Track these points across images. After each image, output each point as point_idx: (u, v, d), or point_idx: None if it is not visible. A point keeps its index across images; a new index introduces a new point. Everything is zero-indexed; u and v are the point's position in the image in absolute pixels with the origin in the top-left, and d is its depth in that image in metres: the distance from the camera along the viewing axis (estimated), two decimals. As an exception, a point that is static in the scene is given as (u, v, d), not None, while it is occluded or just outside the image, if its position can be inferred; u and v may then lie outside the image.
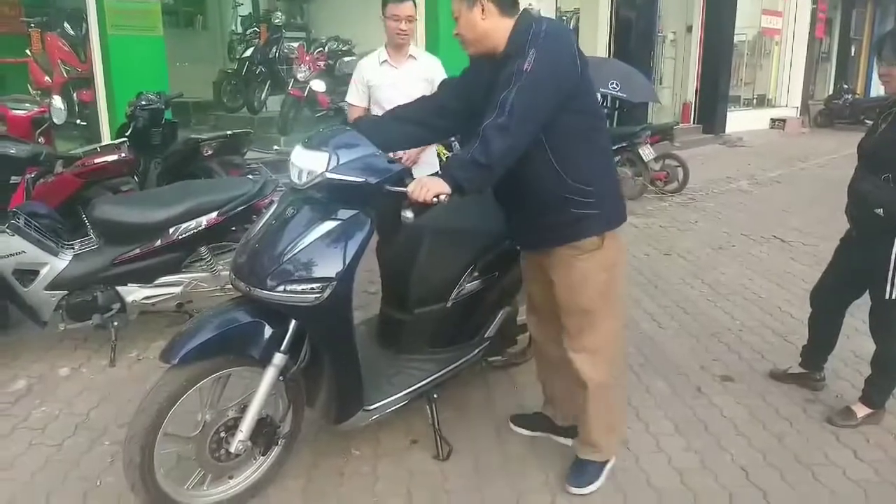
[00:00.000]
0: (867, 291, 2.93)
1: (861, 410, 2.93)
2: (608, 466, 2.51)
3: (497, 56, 2.17)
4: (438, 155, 5.75)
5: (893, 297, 2.75)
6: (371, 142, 2.23)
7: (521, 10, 2.21)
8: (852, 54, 18.31)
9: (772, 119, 14.86)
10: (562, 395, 2.66)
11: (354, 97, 3.65)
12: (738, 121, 13.56)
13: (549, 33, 2.08)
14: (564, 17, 10.87)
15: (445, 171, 2.07)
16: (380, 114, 3.37)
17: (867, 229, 2.84)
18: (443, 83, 2.70)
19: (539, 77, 2.02)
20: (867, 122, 13.97)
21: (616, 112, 8.96)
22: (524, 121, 2.02)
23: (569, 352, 2.38)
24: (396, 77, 3.51)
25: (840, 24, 17.67)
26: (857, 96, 15.95)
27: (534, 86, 2.02)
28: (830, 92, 16.38)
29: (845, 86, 16.09)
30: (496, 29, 2.15)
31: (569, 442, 2.66)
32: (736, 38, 13.47)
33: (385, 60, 3.53)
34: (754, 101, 15.52)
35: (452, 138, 6.98)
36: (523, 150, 2.07)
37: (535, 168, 2.15)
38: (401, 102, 3.29)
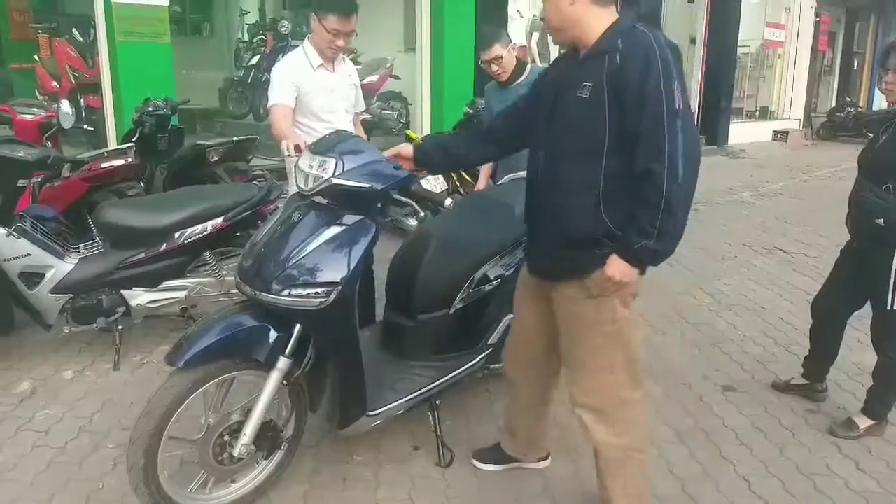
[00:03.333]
0: (868, 302, 2.93)
1: (863, 422, 2.93)
2: None
3: (580, 51, 1.97)
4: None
5: (894, 307, 2.76)
6: (450, 158, 2.29)
7: (623, 13, 1.99)
8: (855, 68, 18.33)
9: (774, 131, 14.87)
10: (525, 435, 2.55)
11: (284, 96, 3.08)
12: (741, 133, 13.57)
13: (676, 55, 1.85)
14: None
15: (635, 256, 1.88)
16: (312, 125, 3.12)
17: (868, 240, 2.85)
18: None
19: (692, 118, 1.86)
20: (870, 135, 14.01)
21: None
22: (695, 177, 1.82)
23: (574, 408, 2.17)
24: (334, 82, 3.21)
25: (843, 38, 17.69)
26: (859, 109, 15.94)
27: (693, 129, 1.83)
28: (833, 105, 16.39)
29: (848, 99, 16.10)
30: (585, 17, 1.92)
31: (540, 465, 2.62)
32: (739, 51, 13.50)
33: (321, 64, 3.15)
34: (757, 113, 15.53)
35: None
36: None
37: (580, 203, 1.94)
38: (339, 107, 3.19)
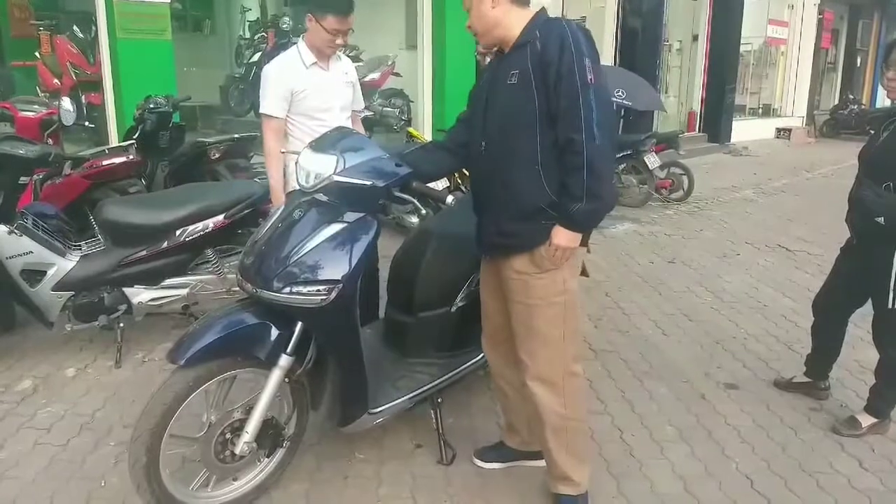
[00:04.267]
0: (869, 300, 2.92)
1: (866, 420, 2.93)
2: (586, 498, 2.37)
3: (505, 49, 2.16)
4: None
5: (895, 306, 2.75)
6: (422, 170, 2.33)
7: (540, 7, 2.17)
8: (858, 65, 18.29)
9: (777, 129, 14.85)
10: (523, 422, 2.56)
11: (276, 108, 3.05)
12: (744, 130, 13.55)
13: (588, 38, 2.03)
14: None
15: (572, 220, 2.06)
16: (306, 124, 3.09)
17: (868, 238, 2.84)
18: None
19: (605, 89, 2.02)
20: (873, 132, 14.01)
21: (621, 120, 8.97)
22: (612, 141, 2.03)
23: (527, 380, 2.28)
24: (328, 81, 3.13)
25: (846, 35, 17.66)
26: (862, 107, 15.92)
27: (607, 99, 2.04)
28: (836, 102, 16.36)
29: (851, 96, 16.07)
30: (507, 18, 2.12)
31: (541, 463, 2.49)
32: (742, 48, 13.47)
33: (314, 63, 3.08)
34: (760, 110, 15.51)
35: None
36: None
37: (521, 176, 2.11)
38: (334, 105, 3.13)
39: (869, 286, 2.87)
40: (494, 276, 2.34)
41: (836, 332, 3.17)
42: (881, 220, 2.70)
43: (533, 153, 2.07)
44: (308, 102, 3.07)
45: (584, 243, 2.18)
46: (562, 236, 2.08)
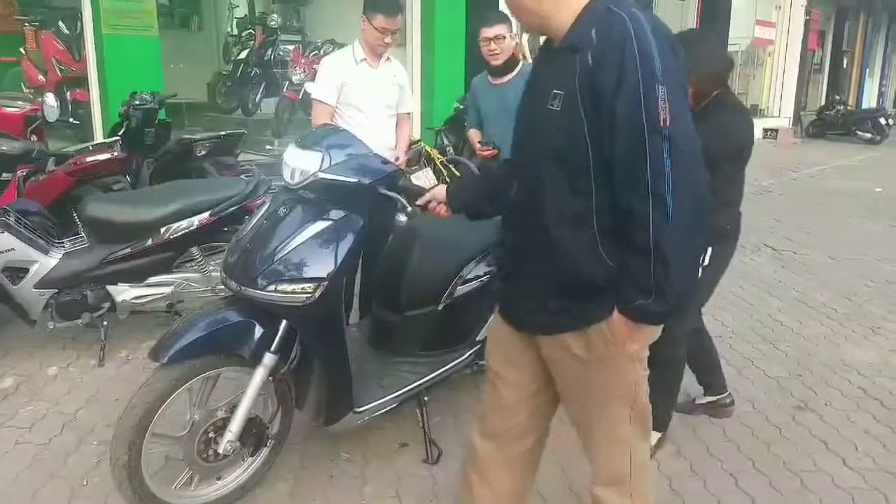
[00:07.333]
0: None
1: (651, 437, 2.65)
2: None
3: (552, 41, 1.56)
4: (429, 156, 5.78)
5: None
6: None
7: None
8: (844, 66, 18.46)
9: (764, 129, 14.93)
10: None
11: (324, 94, 3.38)
12: (731, 130, 13.62)
13: (666, 42, 1.40)
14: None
15: (634, 315, 1.48)
16: (351, 114, 3.37)
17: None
18: None
19: (689, 131, 1.40)
20: (858, 133, 14.13)
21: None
22: (697, 216, 1.41)
23: (595, 488, 1.77)
24: (374, 77, 3.43)
25: (833, 36, 17.81)
26: (848, 108, 16.07)
27: (691, 149, 1.39)
28: (822, 103, 16.50)
29: (837, 97, 16.22)
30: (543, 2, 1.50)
31: None
32: (729, 48, 13.54)
33: (363, 59, 3.40)
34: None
35: (446, 143, 7.00)
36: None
37: (569, 240, 1.51)
38: (376, 103, 3.41)
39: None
40: (515, 344, 1.75)
41: (700, 335, 2.91)
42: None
43: (586, 211, 1.48)
44: (354, 94, 3.37)
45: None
46: (622, 328, 1.51)
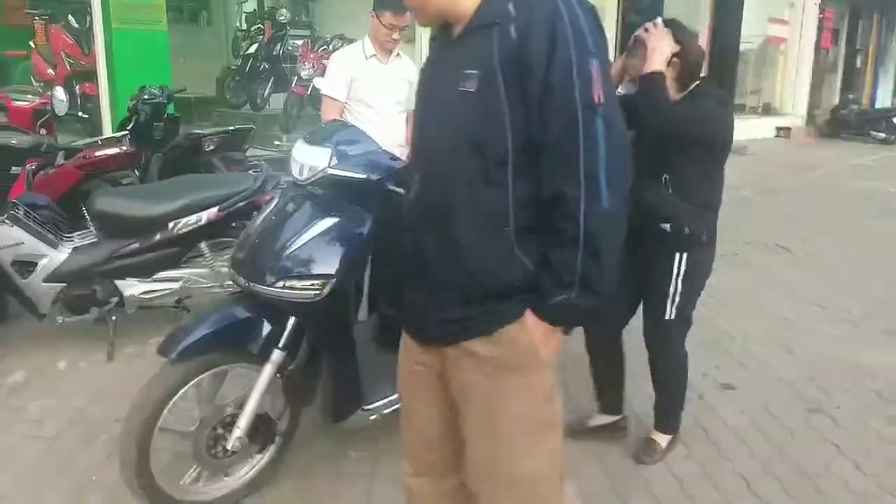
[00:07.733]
0: (640, 311, 2.65)
1: (663, 440, 2.70)
2: None
3: (453, 27, 1.41)
4: None
5: (672, 317, 2.57)
6: None
7: None
8: (858, 65, 18.29)
9: (777, 128, 14.82)
10: None
11: (334, 90, 3.43)
12: (744, 129, 13.49)
13: (594, 20, 1.31)
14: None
15: (550, 314, 1.36)
16: (360, 110, 3.41)
17: (651, 242, 2.45)
18: None
19: (618, 112, 1.32)
20: (872, 133, 14.01)
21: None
22: (625, 200, 1.32)
23: None
24: (384, 73, 3.45)
25: (846, 35, 17.65)
26: (862, 107, 15.93)
27: (621, 130, 1.31)
28: (836, 101, 16.36)
29: (851, 96, 16.08)
30: None
31: None
32: (742, 46, 13.44)
33: (373, 55, 3.43)
34: (760, 109, 15.49)
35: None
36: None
37: (480, 240, 1.35)
38: (386, 100, 3.42)
39: (643, 294, 2.60)
40: (425, 365, 1.55)
41: (614, 350, 2.74)
42: (667, 226, 2.41)
43: (502, 207, 1.33)
44: (363, 90, 3.39)
45: (565, 331, 1.45)
46: (536, 328, 1.37)
